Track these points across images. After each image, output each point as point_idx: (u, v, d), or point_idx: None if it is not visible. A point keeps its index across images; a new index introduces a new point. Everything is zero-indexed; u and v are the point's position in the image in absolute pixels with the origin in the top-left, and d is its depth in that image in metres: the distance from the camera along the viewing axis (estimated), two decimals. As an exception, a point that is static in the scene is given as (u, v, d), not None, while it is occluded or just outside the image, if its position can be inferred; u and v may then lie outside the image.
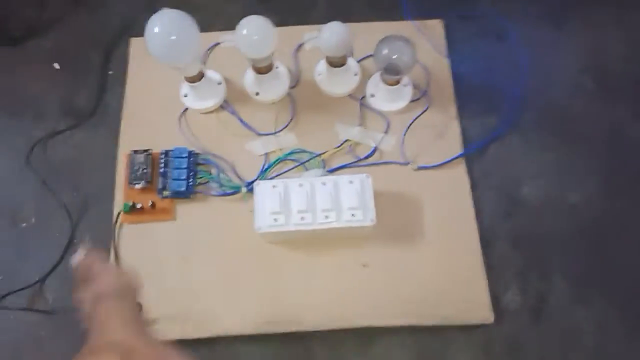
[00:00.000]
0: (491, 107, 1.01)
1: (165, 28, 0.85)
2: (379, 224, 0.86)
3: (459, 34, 1.07)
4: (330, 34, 0.92)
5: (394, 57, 0.90)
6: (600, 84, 1.02)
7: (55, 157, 0.99)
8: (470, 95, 1.02)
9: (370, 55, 1.03)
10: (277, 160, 0.96)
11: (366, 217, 0.86)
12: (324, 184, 0.88)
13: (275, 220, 0.86)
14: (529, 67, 1.03)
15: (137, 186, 0.94)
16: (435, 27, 1.07)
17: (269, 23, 0.90)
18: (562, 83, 1.03)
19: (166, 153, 0.96)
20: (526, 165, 0.97)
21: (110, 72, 1.06)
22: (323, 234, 0.88)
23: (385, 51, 0.91)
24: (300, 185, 0.88)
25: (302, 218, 0.86)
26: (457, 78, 1.03)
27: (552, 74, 1.04)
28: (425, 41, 1.05)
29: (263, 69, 0.97)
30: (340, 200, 0.87)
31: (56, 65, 1.06)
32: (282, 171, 0.96)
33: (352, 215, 0.86)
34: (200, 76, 0.96)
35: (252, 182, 0.94)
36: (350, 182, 0.88)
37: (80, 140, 1.01)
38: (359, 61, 1.03)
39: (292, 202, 0.87)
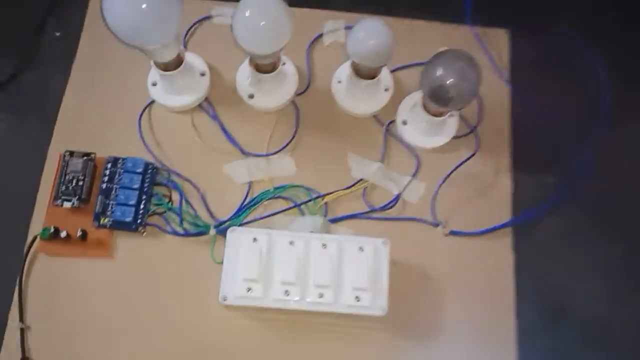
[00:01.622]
0: (554, 163, 0.76)
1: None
2: (391, 307, 0.62)
3: (527, 53, 0.81)
4: (366, 36, 0.66)
5: (449, 81, 0.64)
6: None
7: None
8: (530, 142, 0.77)
9: (410, 66, 0.77)
10: (263, 196, 0.71)
11: (375, 303, 0.62)
12: (324, 245, 0.63)
13: (249, 290, 0.61)
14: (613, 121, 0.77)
15: (66, 204, 0.68)
16: (498, 38, 0.81)
17: (283, 4, 0.63)
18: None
19: (114, 162, 0.70)
20: (585, 256, 0.73)
21: (57, 34, 0.78)
22: (313, 318, 0.65)
23: (439, 72, 0.65)
24: (291, 243, 0.63)
25: (287, 292, 0.62)
26: (516, 114, 0.77)
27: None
28: (482, 56, 0.78)
29: (265, 66, 0.70)
30: (342, 273, 0.63)
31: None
32: (267, 213, 0.71)
33: (357, 298, 0.62)
34: (177, 62, 0.70)
35: (225, 222, 0.69)
36: (361, 248, 0.63)
37: (-3, 123, 0.74)
38: (393, 71, 0.77)
39: (275, 267, 0.62)
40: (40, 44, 0.78)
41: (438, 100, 0.67)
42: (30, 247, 0.67)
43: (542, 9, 0.83)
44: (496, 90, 0.77)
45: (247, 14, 0.63)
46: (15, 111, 0.75)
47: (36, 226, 0.68)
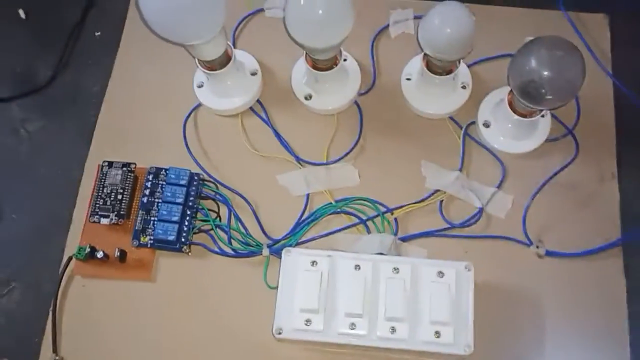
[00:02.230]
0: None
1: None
2: (477, 344, 0.51)
3: (630, 40, 0.68)
4: (442, 23, 0.56)
5: (545, 74, 0.53)
6: None
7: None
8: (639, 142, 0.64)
9: (491, 59, 0.66)
10: (323, 211, 0.61)
11: (459, 340, 0.52)
12: (395, 270, 0.53)
13: (308, 322, 0.52)
14: None
15: (104, 221, 0.60)
16: (595, 24, 0.69)
17: (344, -8, 0.55)
18: None
19: (156, 173, 0.62)
20: None
21: (96, 34, 0.72)
22: (383, 356, 0.54)
23: (532, 63, 0.54)
24: (357, 267, 0.54)
25: (353, 326, 0.52)
26: (622, 111, 0.65)
27: None
28: (578, 44, 0.66)
29: (323, 63, 0.61)
30: (419, 304, 0.53)
31: (21, 13, 0.73)
32: (329, 230, 0.61)
33: (436, 334, 0.52)
34: (224, 60, 0.62)
35: (280, 241, 0.60)
36: (440, 273, 0.53)
37: (32, 128, 0.68)
38: (470, 65, 0.66)
39: (339, 296, 0.53)
40: (79, 45, 0.72)
41: (530, 97, 0.56)
42: (65, 268, 0.60)
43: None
44: (597, 83, 0.66)
45: (301, 2, 0.55)
46: (54, 117, 0.68)
47: (72, 245, 0.61)
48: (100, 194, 0.61)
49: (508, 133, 0.63)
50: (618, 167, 0.63)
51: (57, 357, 0.58)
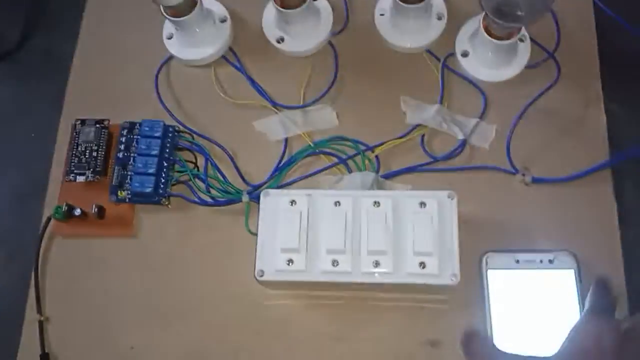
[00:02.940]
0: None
1: None
2: (464, 275, 0.50)
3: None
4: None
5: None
6: None
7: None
8: (625, 62, 0.62)
9: (465, -12, 0.64)
10: (302, 153, 0.60)
11: (444, 270, 0.50)
12: (376, 203, 0.52)
13: (290, 262, 0.51)
14: None
15: (79, 179, 0.59)
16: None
17: None
18: None
19: (130, 128, 0.61)
20: None
21: (62, -7, 0.70)
22: (368, 293, 0.54)
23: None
24: (337, 203, 0.52)
25: (335, 262, 0.51)
26: (603, 29, 0.63)
27: None
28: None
29: (292, 0, 0.59)
30: (402, 236, 0.51)
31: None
32: (309, 172, 0.60)
33: (421, 265, 0.50)
34: (190, 4, 0.60)
35: (260, 187, 0.59)
36: (422, 204, 0.52)
37: (4, 94, 0.67)
38: (445, -4, 0.64)
39: (320, 233, 0.52)
40: (47, 6, 0.70)
41: (505, 16, 0.54)
42: (45, 229, 0.59)
43: None
44: (576, 4, 0.63)
45: None
46: (25, 80, 0.67)
47: (51, 206, 0.59)
48: (74, 152, 0.60)
49: (487, 61, 0.61)
50: (602, 89, 0.61)
51: (41, 318, 0.57)
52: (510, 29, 0.56)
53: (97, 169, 0.59)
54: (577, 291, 0.53)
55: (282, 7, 0.60)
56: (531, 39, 0.61)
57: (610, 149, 0.59)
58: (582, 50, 0.62)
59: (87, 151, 0.60)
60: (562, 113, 0.60)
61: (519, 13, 0.52)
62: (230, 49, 0.65)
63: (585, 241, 0.56)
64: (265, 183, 0.59)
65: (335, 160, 0.60)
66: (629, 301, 0.54)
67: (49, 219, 0.59)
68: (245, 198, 0.58)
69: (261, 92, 0.63)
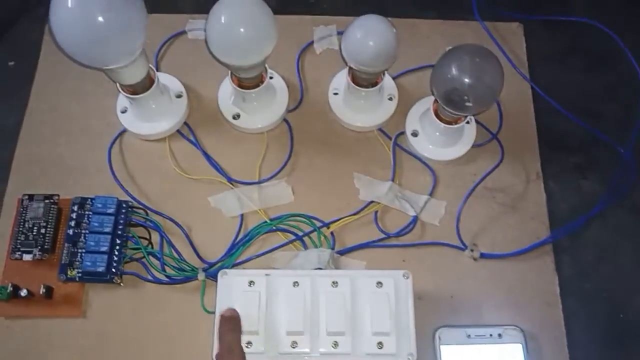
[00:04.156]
0: (591, 164, 0.66)
1: (81, 3, 0.49)
2: (421, 351, 0.51)
3: (545, 46, 0.72)
4: (365, 36, 0.57)
5: (466, 81, 0.55)
6: None
7: None
8: (560, 144, 0.67)
9: (414, 70, 0.68)
10: (258, 230, 0.60)
11: (401, 349, 0.51)
12: (334, 284, 0.53)
13: (249, 344, 0.51)
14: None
15: (26, 257, 0.57)
16: (512, 33, 0.72)
17: (264, 8, 0.54)
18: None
19: (81, 204, 0.59)
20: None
21: (10, 64, 0.68)
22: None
23: (453, 71, 0.55)
24: (295, 283, 0.53)
25: (295, 344, 0.51)
26: (541, 114, 0.68)
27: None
28: (496, 52, 0.68)
29: (249, 81, 0.60)
30: (359, 316, 0.52)
31: None
32: (265, 249, 0.60)
33: (379, 345, 0.51)
34: (147, 84, 0.60)
35: (216, 264, 0.58)
36: (379, 284, 0.53)
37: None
38: (395, 77, 0.67)
39: (278, 315, 0.52)
40: (-7, 74, 0.68)
41: (453, 104, 0.57)
42: (-15, 311, 0.56)
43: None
44: (516, 89, 0.68)
45: (222, 19, 0.54)
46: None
47: (-7, 285, 0.57)
48: (21, 229, 0.58)
49: (436, 141, 0.64)
50: (542, 168, 0.65)
51: (-19, 407, 0.54)
52: (459, 115, 0.59)
53: (46, 247, 0.58)
54: (525, 364, 0.55)
55: (240, 88, 0.61)
56: (476, 121, 0.65)
57: (550, 225, 0.63)
58: (522, 131, 0.67)
59: (35, 228, 0.58)
60: (506, 190, 0.64)
61: (467, 104, 0.55)
62: (186, 123, 0.65)
63: (531, 314, 0.59)
64: (221, 260, 0.59)
65: (292, 237, 0.60)
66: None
67: (-9, 300, 0.56)
68: (201, 276, 0.57)
69: (216, 167, 0.63)
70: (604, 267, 0.62)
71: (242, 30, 0.54)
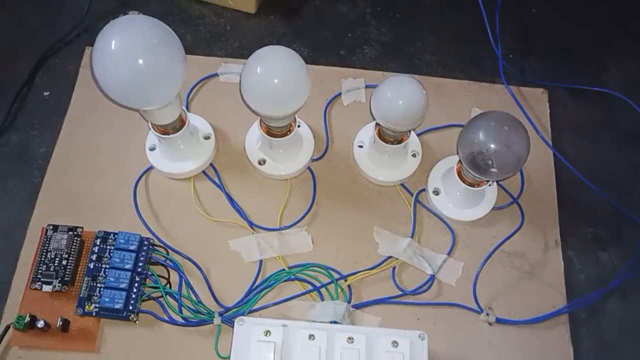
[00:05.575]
0: (611, 236, 0.66)
1: (125, 46, 0.50)
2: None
3: (573, 116, 0.73)
4: (395, 96, 0.58)
5: (492, 147, 0.56)
6: None
7: None
8: (580, 212, 0.67)
9: (440, 128, 0.69)
10: (276, 278, 0.61)
11: (414, 411, 0.51)
12: (350, 340, 0.53)
13: (261, 396, 0.50)
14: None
15: (46, 288, 0.58)
16: (536, 99, 0.73)
17: (299, 62, 0.56)
18: None
19: (104, 238, 0.60)
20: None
21: (45, 94, 0.70)
22: None
23: (480, 136, 0.56)
24: (311, 336, 0.52)
25: (307, 398, 0.50)
26: (563, 182, 0.68)
27: None
28: (520, 117, 0.69)
29: (278, 129, 0.62)
30: (374, 374, 0.51)
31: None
32: (281, 297, 0.60)
33: (392, 405, 0.50)
34: (178, 125, 0.61)
35: (232, 309, 0.59)
36: (394, 343, 0.53)
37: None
38: (420, 134, 0.69)
39: (293, 368, 0.51)
40: (27, 104, 0.69)
41: (477, 168, 0.58)
42: (1, 338, 0.56)
43: (582, 67, 0.76)
44: (538, 155, 0.69)
45: (258, 70, 0.55)
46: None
47: (10, 314, 0.57)
48: (43, 259, 0.59)
49: (457, 201, 0.65)
50: (561, 237, 0.65)
51: None
52: (482, 179, 0.60)
53: (66, 279, 0.58)
54: None
55: (268, 135, 0.62)
56: (498, 183, 0.66)
57: (567, 294, 0.62)
58: (543, 197, 0.67)
59: (57, 259, 0.59)
60: (524, 256, 0.64)
61: (492, 169, 0.56)
62: (212, 165, 0.66)
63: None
64: (237, 305, 0.59)
65: (309, 287, 0.61)
66: None
67: (7, 328, 0.56)
68: (217, 320, 0.57)
69: (239, 210, 0.64)
70: (622, 341, 0.61)
71: (276, 81, 0.55)
